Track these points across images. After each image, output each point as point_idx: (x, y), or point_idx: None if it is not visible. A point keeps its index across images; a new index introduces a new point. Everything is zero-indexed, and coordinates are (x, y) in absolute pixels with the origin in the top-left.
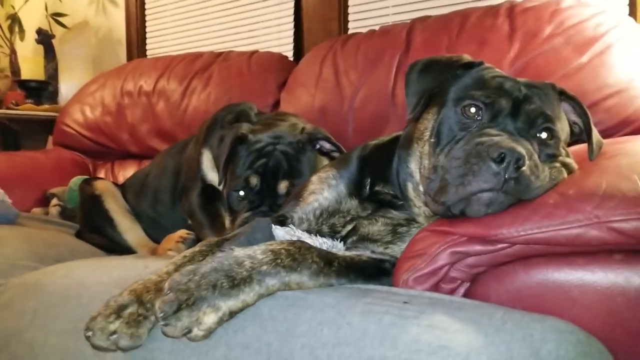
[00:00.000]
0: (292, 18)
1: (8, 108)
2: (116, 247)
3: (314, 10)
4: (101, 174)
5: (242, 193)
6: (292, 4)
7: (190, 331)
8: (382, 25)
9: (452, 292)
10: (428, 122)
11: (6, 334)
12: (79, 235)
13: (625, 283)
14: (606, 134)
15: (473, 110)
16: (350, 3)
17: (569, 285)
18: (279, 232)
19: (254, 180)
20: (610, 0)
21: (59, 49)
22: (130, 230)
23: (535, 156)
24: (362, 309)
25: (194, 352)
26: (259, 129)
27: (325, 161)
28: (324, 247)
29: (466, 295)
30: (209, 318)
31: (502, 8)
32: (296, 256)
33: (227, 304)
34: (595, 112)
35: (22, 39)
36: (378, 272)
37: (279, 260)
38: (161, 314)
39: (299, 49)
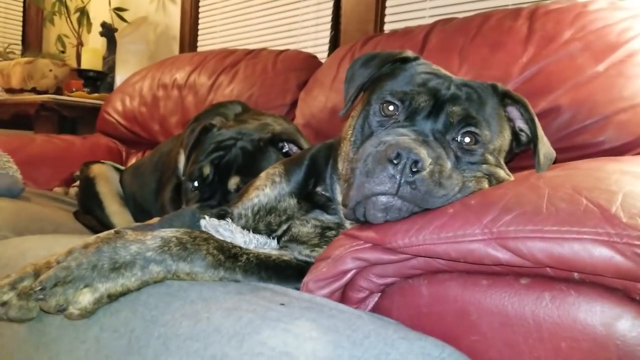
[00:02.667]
0: (330, 18)
1: (64, 95)
2: (104, 228)
3: (351, 12)
4: (132, 161)
5: (195, 183)
6: (331, 4)
7: (65, 309)
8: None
9: (360, 302)
10: (352, 120)
11: None
12: (75, 215)
13: (528, 313)
14: (615, 152)
15: (391, 108)
16: (387, 4)
17: (469, 307)
18: (202, 222)
19: (207, 170)
20: None
21: (119, 42)
22: (117, 213)
23: (446, 162)
24: (230, 305)
25: (71, 330)
26: (229, 123)
27: None
28: (253, 243)
29: (375, 307)
30: (85, 298)
31: (525, 10)
32: (188, 245)
33: (105, 286)
34: (605, 127)
35: (89, 31)
36: (299, 274)
37: (166, 248)
38: (38, 287)
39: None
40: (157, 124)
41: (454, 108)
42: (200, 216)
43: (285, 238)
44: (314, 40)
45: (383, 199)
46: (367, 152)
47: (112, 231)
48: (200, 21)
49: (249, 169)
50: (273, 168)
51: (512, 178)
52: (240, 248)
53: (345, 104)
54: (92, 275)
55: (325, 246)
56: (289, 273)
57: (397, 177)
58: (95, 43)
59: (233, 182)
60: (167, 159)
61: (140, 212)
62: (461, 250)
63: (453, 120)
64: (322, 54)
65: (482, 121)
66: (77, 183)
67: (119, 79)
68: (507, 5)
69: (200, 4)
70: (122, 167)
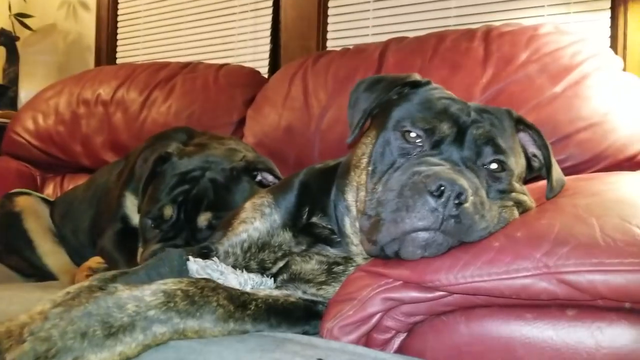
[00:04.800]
0: (269, 32)
1: None
2: (35, 271)
3: (292, 26)
4: (49, 189)
5: (155, 222)
6: (269, 18)
7: None
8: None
9: (385, 343)
10: (366, 147)
11: None
12: None
13: (577, 344)
14: (577, 169)
15: (413, 135)
16: (329, 21)
17: (515, 342)
18: (193, 266)
19: (169, 212)
20: (591, 31)
21: (22, 52)
22: (51, 253)
23: (482, 191)
24: None
25: None
26: (190, 150)
27: None
28: (250, 284)
29: (401, 347)
30: None
31: (479, 32)
32: (196, 298)
33: (100, 357)
34: (567, 145)
35: None
36: (308, 315)
37: (172, 304)
38: None
39: (275, 66)
40: (79, 145)
41: (478, 132)
42: (186, 258)
43: (284, 276)
44: (253, 54)
45: (424, 234)
46: (401, 184)
47: (85, 284)
48: (119, 30)
49: (222, 203)
50: (259, 197)
51: (534, 205)
52: (248, 294)
53: (352, 131)
54: (82, 345)
55: (333, 283)
56: (298, 315)
57: (440, 210)
58: None
59: (204, 218)
60: (105, 197)
61: (75, 252)
62: (514, 287)
63: (479, 147)
64: (261, 68)
65: (507, 148)
66: None
67: (24, 94)
68: (449, 26)
69: (119, 12)
70: (50, 199)
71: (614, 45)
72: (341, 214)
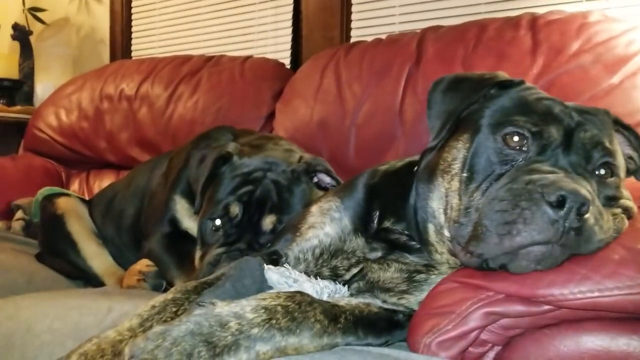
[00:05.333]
0: (290, 23)
1: None
2: (81, 274)
3: (314, 16)
4: (75, 185)
5: (218, 222)
6: (290, 8)
7: None
8: (386, 34)
9: (480, 357)
10: (457, 152)
11: None
12: (39, 257)
13: None
14: None
15: (516, 139)
16: (353, 9)
17: (630, 358)
18: (274, 275)
19: (235, 209)
20: (634, 17)
21: (37, 46)
22: (96, 256)
23: (597, 200)
24: None
25: None
26: (247, 150)
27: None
28: (326, 292)
29: None
30: None
31: (523, 20)
32: (296, 314)
33: None
34: None
35: None
36: (390, 325)
37: (274, 321)
38: None
39: (297, 57)
40: (104, 141)
41: (586, 135)
42: (263, 266)
43: (360, 284)
44: (274, 45)
45: (541, 248)
46: (513, 194)
47: (169, 297)
48: (133, 23)
49: (284, 205)
50: (326, 201)
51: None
52: (337, 306)
53: (437, 134)
54: None
55: (415, 292)
56: (382, 326)
57: (561, 222)
58: (2, 48)
59: (269, 221)
60: (150, 200)
61: (119, 253)
62: (638, 302)
63: (588, 151)
64: (282, 60)
65: (614, 151)
66: (19, 215)
67: (40, 88)
68: (480, 14)
69: (133, 4)
70: (86, 198)
71: None
72: (423, 221)
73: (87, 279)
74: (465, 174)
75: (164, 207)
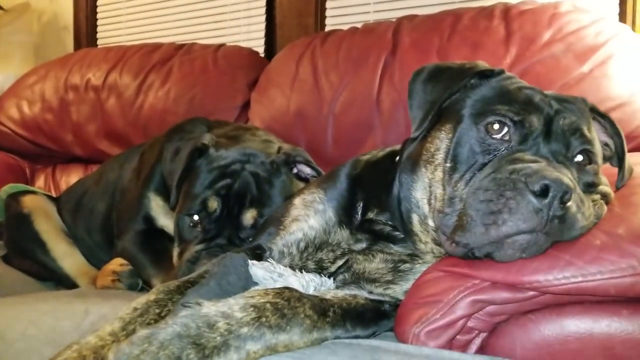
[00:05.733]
0: (264, 10)
1: None
2: (51, 274)
3: (288, 3)
4: (40, 180)
5: (196, 218)
6: None
7: None
8: (361, 22)
9: (467, 344)
10: (440, 142)
11: None
12: (5, 259)
13: None
14: None
15: (498, 127)
16: None
17: (613, 339)
18: (259, 271)
19: (214, 204)
20: (600, 7)
21: None
22: (66, 255)
23: (578, 187)
24: None
25: None
26: (224, 142)
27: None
28: (312, 286)
29: (483, 347)
30: None
31: (496, 9)
32: (285, 311)
33: None
34: None
35: None
36: (377, 316)
37: (263, 319)
38: None
39: (271, 45)
40: (70, 134)
41: (565, 122)
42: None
43: (345, 276)
44: (247, 33)
45: (526, 237)
46: (497, 183)
47: (151, 297)
48: (98, 9)
49: (264, 199)
50: (310, 193)
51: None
52: (325, 300)
53: (419, 124)
54: None
55: (401, 282)
56: (369, 317)
57: (545, 211)
58: None
59: (249, 216)
60: (123, 197)
61: (89, 252)
62: (622, 286)
63: (567, 139)
64: (256, 49)
65: (592, 138)
66: None
67: (1, 77)
68: (452, 3)
69: None
70: (53, 195)
71: (622, 22)
72: (407, 211)
73: (59, 280)
74: (448, 164)
75: (138, 205)
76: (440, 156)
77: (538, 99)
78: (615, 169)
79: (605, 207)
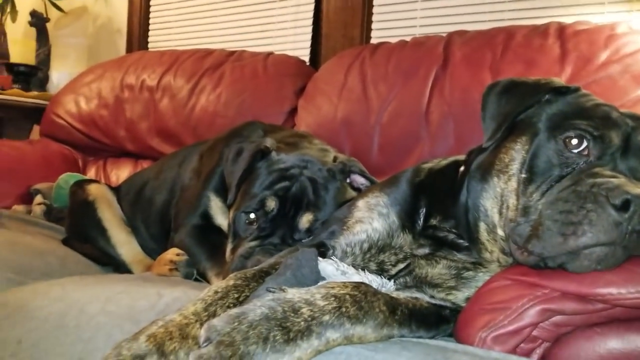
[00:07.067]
0: (310, 21)
1: None
2: (109, 260)
3: (335, 15)
4: (91, 171)
5: (252, 216)
6: (312, 7)
7: None
8: (407, 36)
9: (529, 352)
10: (516, 153)
11: None
12: (66, 242)
13: None
14: None
15: (576, 142)
16: (375, 10)
17: None
18: (328, 267)
19: (271, 204)
20: None
21: (53, 34)
22: (125, 243)
23: None
24: None
25: None
26: (283, 147)
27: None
28: (375, 285)
29: (545, 356)
30: None
31: (550, 28)
32: (362, 304)
33: None
34: None
35: (13, 20)
36: (439, 320)
37: (343, 309)
38: None
39: (316, 55)
40: (123, 130)
41: None
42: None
43: (407, 279)
44: (293, 43)
45: (604, 249)
46: (577, 196)
47: (230, 283)
48: (151, 15)
49: (319, 203)
50: (373, 196)
51: None
52: (395, 298)
53: (491, 135)
54: (265, 350)
55: (463, 289)
56: (432, 321)
57: (625, 225)
58: (18, 33)
59: (305, 220)
60: (181, 196)
61: (145, 243)
62: None
63: None
64: (302, 58)
65: None
66: (39, 200)
67: (56, 75)
68: (503, 20)
69: None
70: (112, 186)
71: None
72: (474, 219)
73: (116, 265)
74: (524, 175)
75: (197, 202)
76: (515, 166)
77: (615, 116)
78: None
79: None
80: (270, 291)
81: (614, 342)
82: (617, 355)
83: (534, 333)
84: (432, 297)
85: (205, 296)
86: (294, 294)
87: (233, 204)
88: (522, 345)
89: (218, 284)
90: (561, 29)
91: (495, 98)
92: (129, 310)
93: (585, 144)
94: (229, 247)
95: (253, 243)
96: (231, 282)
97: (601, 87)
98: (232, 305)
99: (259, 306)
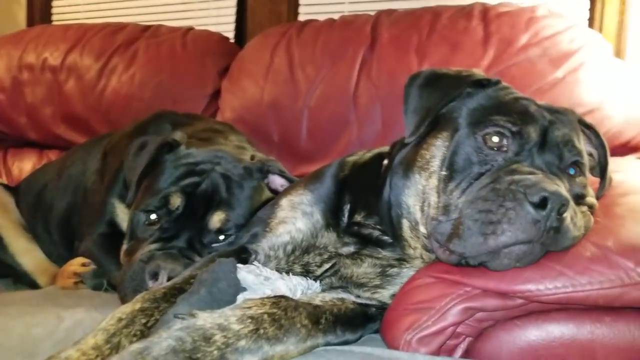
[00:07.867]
0: None
1: None
2: (9, 271)
3: None
4: None
5: (153, 216)
6: None
7: None
8: (335, 13)
9: (454, 348)
10: (436, 150)
11: None
12: None
13: None
14: None
15: (496, 139)
16: None
17: (595, 345)
18: (248, 276)
19: (176, 201)
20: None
21: None
22: (25, 252)
23: (571, 199)
24: None
25: None
26: (194, 142)
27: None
28: (299, 289)
29: (468, 351)
30: None
31: (475, 10)
32: (282, 322)
33: None
34: None
35: None
36: (364, 320)
37: (261, 331)
38: None
39: (241, 31)
40: (24, 116)
41: (558, 134)
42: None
43: (333, 280)
44: (216, 17)
45: (523, 247)
46: (496, 194)
47: (136, 307)
48: None
49: (234, 202)
50: (296, 194)
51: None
52: (318, 307)
53: (414, 130)
54: None
55: (388, 287)
56: (357, 322)
57: (543, 222)
58: None
59: (216, 219)
60: (85, 199)
61: (47, 249)
62: (609, 296)
63: (561, 150)
64: (226, 34)
65: (582, 150)
66: None
67: None
68: None
69: None
70: (10, 186)
71: (590, 28)
72: (397, 216)
73: (17, 276)
74: (444, 172)
75: (101, 210)
76: (435, 163)
77: (533, 110)
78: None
79: (592, 218)
80: (178, 318)
81: (533, 334)
82: (536, 346)
83: (458, 330)
84: (358, 296)
85: (108, 325)
86: (205, 319)
87: (133, 202)
88: (447, 342)
89: (122, 308)
90: (485, 11)
91: (417, 91)
92: (21, 341)
93: (504, 140)
94: (123, 248)
95: (154, 246)
96: (137, 306)
97: (521, 70)
98: (138, 333)
99: (164, 338)
